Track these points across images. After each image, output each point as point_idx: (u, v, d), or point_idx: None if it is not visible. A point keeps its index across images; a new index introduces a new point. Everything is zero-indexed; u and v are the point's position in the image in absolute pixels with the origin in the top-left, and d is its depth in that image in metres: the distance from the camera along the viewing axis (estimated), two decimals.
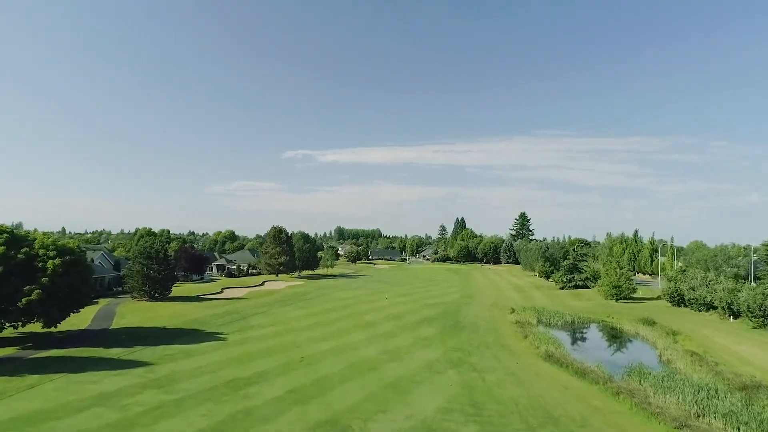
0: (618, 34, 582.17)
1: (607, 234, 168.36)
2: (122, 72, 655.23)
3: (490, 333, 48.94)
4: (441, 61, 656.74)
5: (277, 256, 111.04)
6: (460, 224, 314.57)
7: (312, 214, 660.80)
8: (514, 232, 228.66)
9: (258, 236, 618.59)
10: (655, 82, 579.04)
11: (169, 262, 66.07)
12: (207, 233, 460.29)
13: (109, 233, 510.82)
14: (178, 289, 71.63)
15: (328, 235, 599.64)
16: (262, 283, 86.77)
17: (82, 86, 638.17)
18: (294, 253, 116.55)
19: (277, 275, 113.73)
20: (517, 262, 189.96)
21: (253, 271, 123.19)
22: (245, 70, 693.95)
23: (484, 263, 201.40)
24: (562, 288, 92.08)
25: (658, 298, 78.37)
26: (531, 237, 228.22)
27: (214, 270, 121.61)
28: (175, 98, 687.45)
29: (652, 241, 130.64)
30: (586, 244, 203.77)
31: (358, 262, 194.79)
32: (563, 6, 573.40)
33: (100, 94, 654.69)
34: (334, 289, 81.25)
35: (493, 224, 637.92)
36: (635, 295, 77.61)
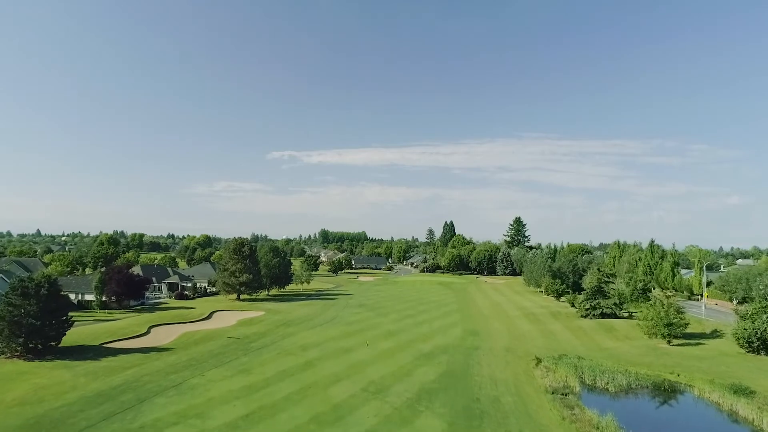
0: (601, 38, 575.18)
1: (616, 242, 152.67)
2: (105, 73, 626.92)
3: (525, 425, 31.04)
4: (425, 62, 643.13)
5: (237, 274, 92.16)
6: (449, 228, 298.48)
7: (297, 216, 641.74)
8: (508, 239, 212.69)
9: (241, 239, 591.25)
10: (638, 85, 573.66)
11: (59, 300, 46.64)
12: (189, 235, 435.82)
13: (86, 236, 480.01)
14: (82, 331, 52.37)
15: (312, 237, 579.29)
16: (210, 315, 67.63)
17: (66, 87, 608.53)
18: (259, 270, 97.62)
19: (238, 297, 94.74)
20: (514, 272, 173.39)
21: (213, 290, 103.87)
22: (230, 70, 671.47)
23: (479, 274, 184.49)
24: (585, 316, 74.91)
25: (714, 333, 61.71)
26: (527, 243, 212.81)
27: (164, 290, 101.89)
28: (159, 99, 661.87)
29: (673, 253, 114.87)
30: (588, 252, 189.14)
31: (339, 272, 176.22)
32: (548, 9, 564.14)
33: (83, 95, 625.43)
34: (300, 326, 62.54)
35: (482, 227, 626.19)
36: (686, 331, 60.67)
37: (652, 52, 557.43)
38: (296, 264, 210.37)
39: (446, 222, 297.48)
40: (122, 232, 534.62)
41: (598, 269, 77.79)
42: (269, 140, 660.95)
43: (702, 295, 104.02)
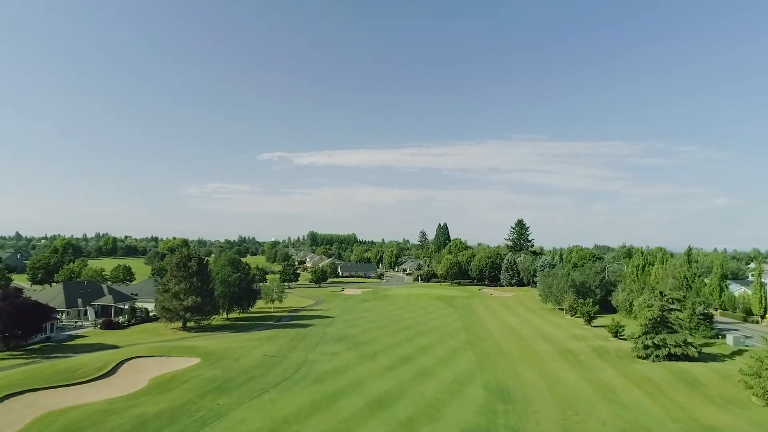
0: (591, 41, 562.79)
1: (638, 249, 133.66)
2: (93, 73, 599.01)
3: None
4: (417, 64, 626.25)
5: (182, 296, 71.02)
6: (443, 231, 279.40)
7: (288, 218, 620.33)
8: (510, 243, 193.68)
9: (227, 241, 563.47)
10: (628, 87, 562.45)
11: None
12: (174, 237, 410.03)
13: (67, 238, 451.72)
14: None
15: (301, 239, 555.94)
16: (114, 369, 46.12)
17: (57, 89, 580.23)
18: (212, 290, 76.51)
19: (184, 325, 73.59)
20: (521, 283, 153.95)
21: (162, 312, 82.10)
22: (221, 71, 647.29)
23: (480, 283, 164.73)
24: (645, 357, 55.04)
25: None
26: (530, 248, 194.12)
27: (90, 315, 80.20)
28: (149, 99, 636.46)
29: (722, 265, 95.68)
30: (599, 258, 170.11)
31: (323, 283, 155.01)
32: (541, 13, 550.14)
33: (70, 94, 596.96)
34: (240, 390, 41.35)
35: (475, 228, 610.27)
36: None
37: (642, 55, 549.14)
38: (277, 269, 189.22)
39: (440, 224, 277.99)
40: (106, 234, 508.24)
41: (661, 293, 57.84)
42: (259, 141, 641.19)
43: (763, 317, 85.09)
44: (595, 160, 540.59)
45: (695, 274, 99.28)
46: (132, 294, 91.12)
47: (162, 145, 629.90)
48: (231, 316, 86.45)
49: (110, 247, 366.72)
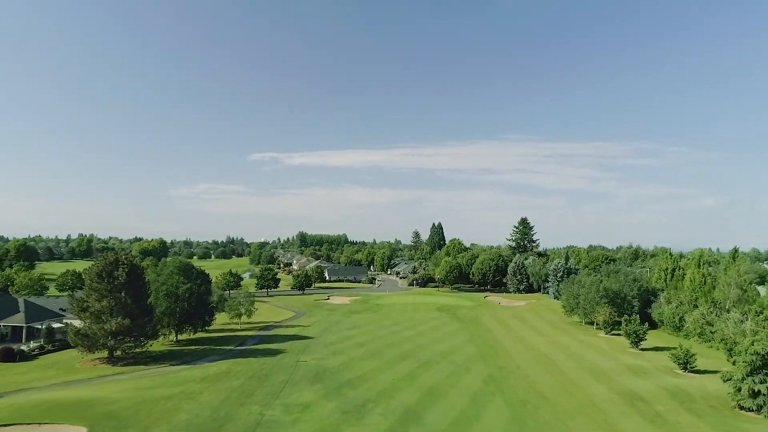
0: (581, 42, 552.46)
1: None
2: (82, 72, 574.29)
3: None
4: (409, 64, 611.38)
5: (104, 317, 52.87)
6: (437, 231, 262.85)
7: (279, 219, 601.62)
8: (513, 243, 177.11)
9: (215, 242, 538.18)
10: (619, 87, 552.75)
11: None
12: (160, 237, 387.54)
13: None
14: None
15: (290, 240, 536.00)
16: None
17: (38, 84, 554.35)
18: (150, 309, 58.30)
19: (111, 355, 55.47)
20: (531, 288, 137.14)
21: (76, 339, 63.48)
22: (211, 70, 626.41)
23: (483, 288, 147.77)
24: (757, 410, 38.05)
25: None
26: (535, 249, 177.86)
27: None
28: (139, 99, 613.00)
29: None
30: (612, 260, 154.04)
31: (307, 289, 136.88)
32: (531, 14, 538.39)
33: (59, 93, 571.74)
34: None
35: (467, 229, 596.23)
36: None
37: (633, 56, 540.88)
38: (256, 271, 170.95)
39: (434, 224, 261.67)
40: (92, 234, 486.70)
41: (755, 314, 40.75)
42: (250, 141, 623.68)
43: None
44: (586, 160, 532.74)
45: (746, 280, 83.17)
46: (60, 309, 72.47)
47: (151, 145, 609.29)
48: (182, 337, 68.19)
49: (84, 248, 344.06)
